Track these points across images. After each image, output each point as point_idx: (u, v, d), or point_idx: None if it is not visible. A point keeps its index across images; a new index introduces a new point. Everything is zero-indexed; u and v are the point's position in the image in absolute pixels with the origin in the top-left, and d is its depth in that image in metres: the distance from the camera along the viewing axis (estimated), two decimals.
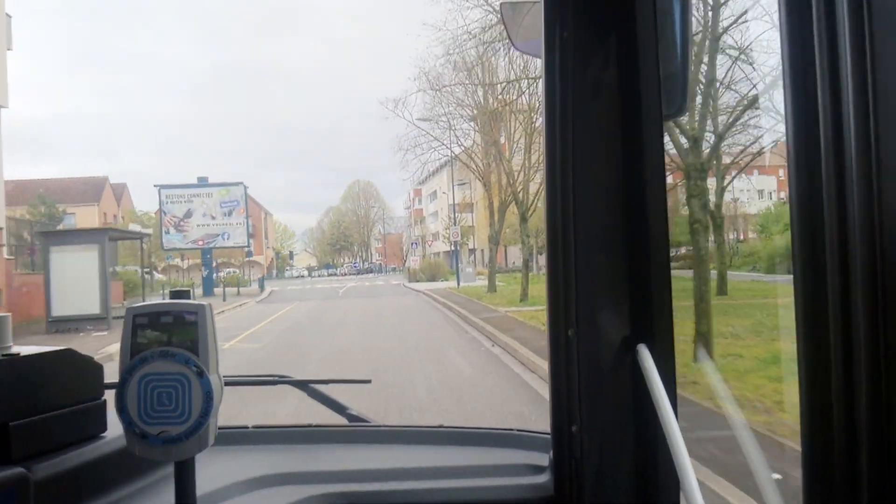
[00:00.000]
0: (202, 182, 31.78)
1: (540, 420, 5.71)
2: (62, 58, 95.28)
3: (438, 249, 66.05)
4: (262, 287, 40.04)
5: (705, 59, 7.36)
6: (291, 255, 71.91)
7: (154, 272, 61.24)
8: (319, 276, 72.27)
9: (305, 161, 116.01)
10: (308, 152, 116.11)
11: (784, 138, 0.66)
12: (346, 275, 62.29)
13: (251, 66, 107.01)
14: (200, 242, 31.48)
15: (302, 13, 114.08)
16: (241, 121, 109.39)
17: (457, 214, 35.11)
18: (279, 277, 72.19)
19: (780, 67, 0.63)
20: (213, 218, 31.55)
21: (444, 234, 48.08)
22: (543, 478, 1.14)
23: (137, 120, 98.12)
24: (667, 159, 1.07)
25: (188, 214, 31.39)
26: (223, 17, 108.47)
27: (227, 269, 69.37)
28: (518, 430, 1.37)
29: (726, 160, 9.76)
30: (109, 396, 0.96)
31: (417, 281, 38.78)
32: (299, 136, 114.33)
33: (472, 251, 56.17)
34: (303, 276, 73.41)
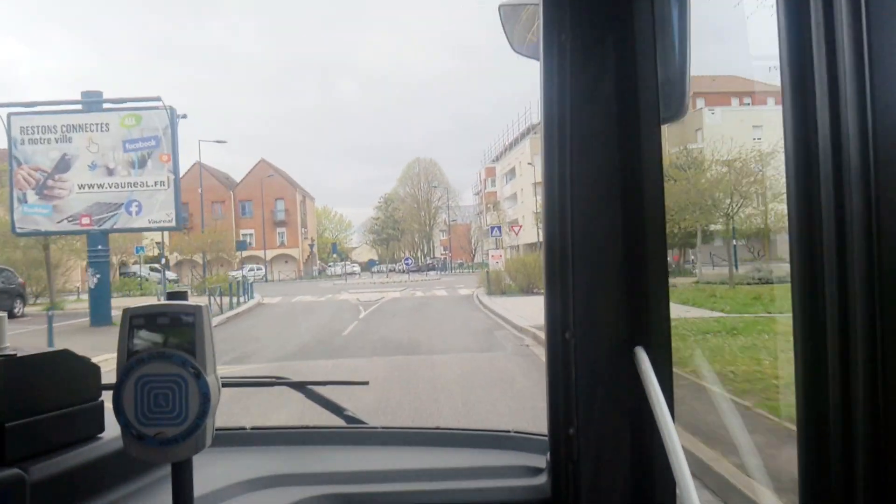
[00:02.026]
0: (90, 100, 16.29)
1: None
2: (137, 52, 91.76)
3: (519, 241, 49.42)
4: (248, 296, 25.17)
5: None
6: (335, 248, 56.87)
7: (165, 269, 48.26)
8: (377, 271, 57.52)
9: (374, 154, 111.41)
10: (377, 146, 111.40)
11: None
12: (403, 272, 46.59)
13: (320, 60, 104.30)
14: (86, 220, 16.17)
15: (370, 3, 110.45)
16: (310, 115, 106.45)
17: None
18: (321, 275, 57.53)
19: (779, 70, 0.64)
20: (110, 172, 16.16)
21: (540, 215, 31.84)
22: (540, 480, 1.15)
23: (209, 114, 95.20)
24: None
25: (63, 166, 16.05)
26: (292, 9, 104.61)
27: (250, 266, 55.30)
28: (515, 433, 1.37)
29: None
30: (107, 397, 0.94)
31: (504, 293, 22.32)
32: (369, 130, 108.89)
33: None
34: (354, 274, 58.67)
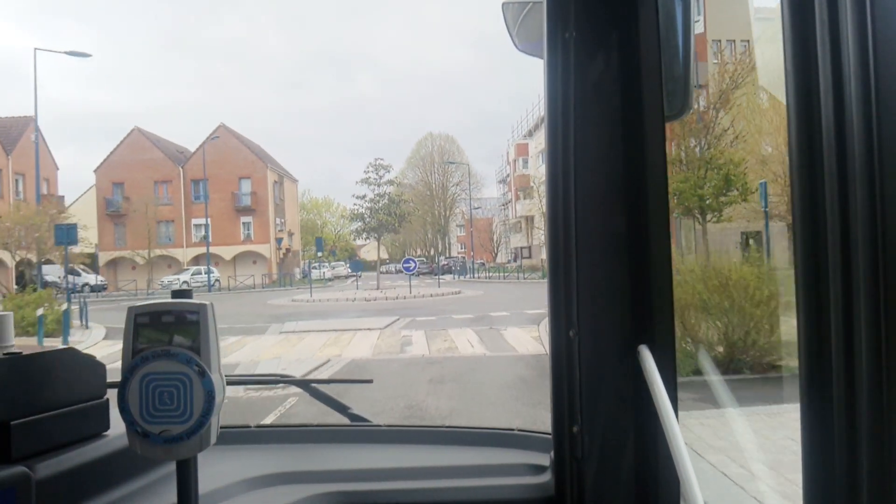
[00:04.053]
0: None
1: None
2: (153, 45, 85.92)
3: None
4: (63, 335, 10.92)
5: None
6: (319, 244, 42.55)
7: (86, 272, 34.61)
8: (394, 271, 43.38)
9: (391, 149, 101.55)
10: (395, 140, 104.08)
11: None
12: (418, 273, 31.60)
13: (337, 54, 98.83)
14: None
15: None
16: (327, 110, 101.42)
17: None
18: (304, 280, 43.33)
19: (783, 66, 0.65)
20: None
21: None
22: (544, 478, 1.15)
23: (226, 110, 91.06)
24: None
25: None
26: (309, 2, 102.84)
27: (196, 269, 40.98)
28: (519, 430, 1.37)
29: None
30: (112, 395, 0.94)
31: None
32: (386, 125, 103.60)
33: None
34: (355, 277, 44.53)
